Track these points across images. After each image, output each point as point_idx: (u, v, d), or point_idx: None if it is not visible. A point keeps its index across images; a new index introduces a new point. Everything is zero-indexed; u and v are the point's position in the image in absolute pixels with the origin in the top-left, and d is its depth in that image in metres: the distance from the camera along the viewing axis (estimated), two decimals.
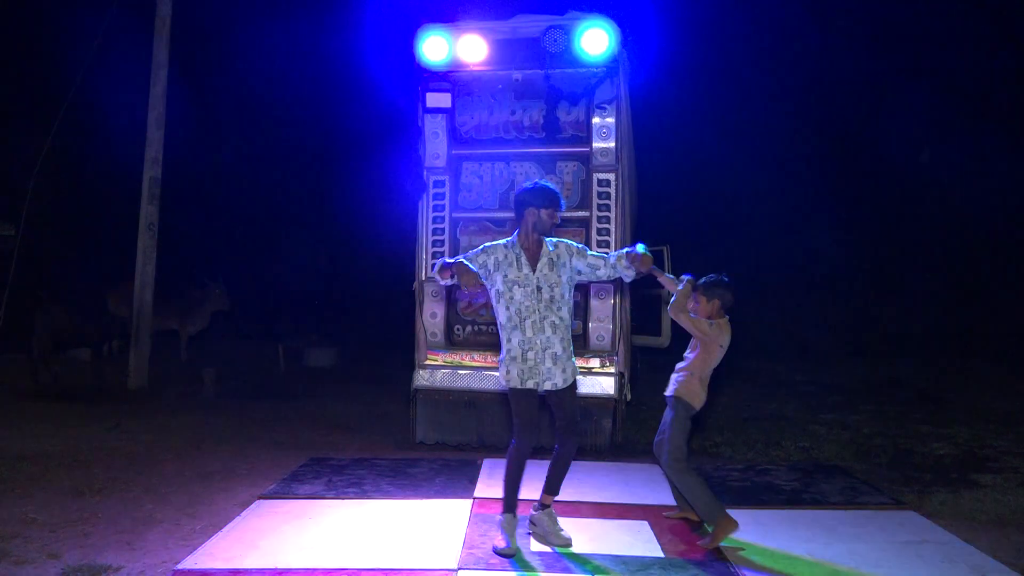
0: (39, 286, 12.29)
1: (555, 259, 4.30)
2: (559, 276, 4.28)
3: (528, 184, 4.45)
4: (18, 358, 10.74)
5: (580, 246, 4.43)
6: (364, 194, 15.92)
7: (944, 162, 16.47)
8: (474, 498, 5.22)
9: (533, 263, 4.30)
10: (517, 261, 4.29)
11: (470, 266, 4.22)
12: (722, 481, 5.82)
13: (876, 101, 18.15)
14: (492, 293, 4.35)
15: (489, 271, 4.30)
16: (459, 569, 3.96)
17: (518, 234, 4.37)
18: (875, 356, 14.20)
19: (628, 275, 4.35)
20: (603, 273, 4.37)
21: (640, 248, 4.29)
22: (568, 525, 4.47)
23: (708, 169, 17.62)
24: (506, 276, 4.27)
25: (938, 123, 16.39)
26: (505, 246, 4.36)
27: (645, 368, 9.63)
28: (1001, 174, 15.49)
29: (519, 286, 4.25)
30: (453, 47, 6.86)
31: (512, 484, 4.32)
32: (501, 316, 4.31)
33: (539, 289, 4.25)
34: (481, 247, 4.41)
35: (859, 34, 18.25)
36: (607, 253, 4.48)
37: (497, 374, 6.80)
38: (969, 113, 16.49)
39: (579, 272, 4.37)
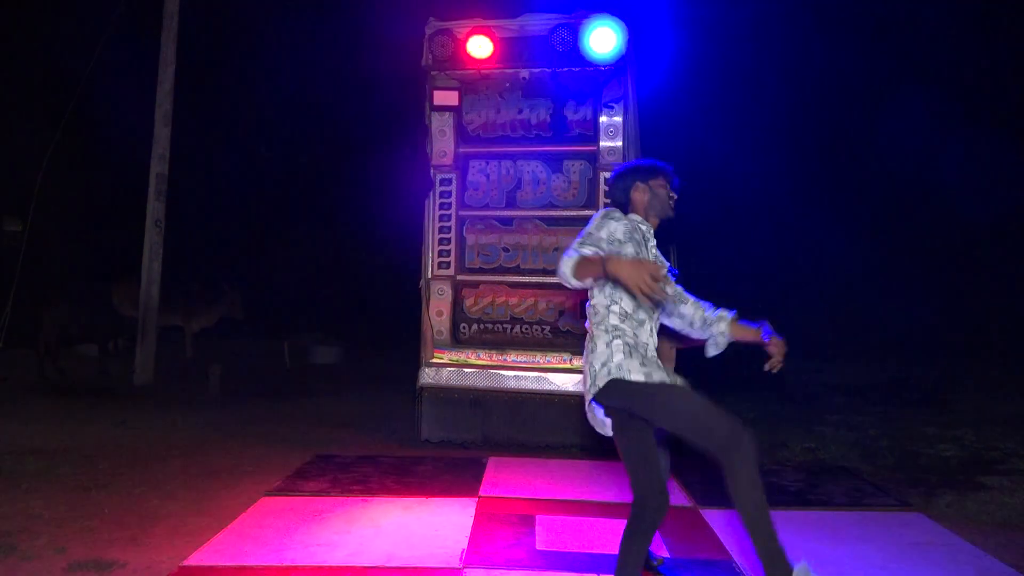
0: (46, 281, 12.33)
1: None
2: None
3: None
4: (25, 353, 10.77)
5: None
6: (371, 191, 15.93)
7: (953, 161, 16.41)
8: (479, 496, 5.22)
9: None
10: None
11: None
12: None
13: (884, 100, 18.10)
14: None
15: None
16: (464, 567, 3.96)
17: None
18: (881, 357, 14.14)
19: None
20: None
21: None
22: (573, 525, 4.46)
23: (715, 168, 17.58)
24: None
25: (946, 122, 16.33)
26: None
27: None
28: (1010, 171, 15.43)
29: None
30: (461, 45, 6.86)
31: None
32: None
33: None
34: None
35: (868, 32, 18.21)
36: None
37: (503, 373, 6.88)
38: (978, 111, 16.42)
39: None
